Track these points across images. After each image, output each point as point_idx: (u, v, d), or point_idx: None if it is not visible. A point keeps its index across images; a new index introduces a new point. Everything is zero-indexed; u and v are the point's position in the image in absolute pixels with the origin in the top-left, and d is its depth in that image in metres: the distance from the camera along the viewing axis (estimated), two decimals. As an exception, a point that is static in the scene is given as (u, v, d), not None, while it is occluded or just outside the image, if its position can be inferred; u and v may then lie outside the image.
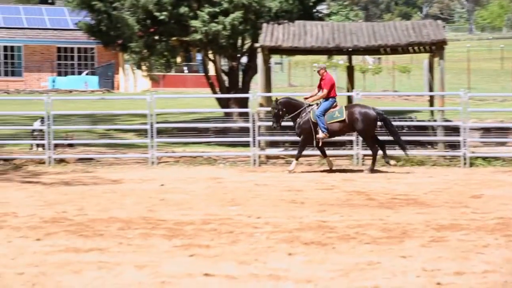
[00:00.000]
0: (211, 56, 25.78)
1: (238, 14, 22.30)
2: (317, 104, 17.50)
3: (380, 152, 17.48)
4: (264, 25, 21.91)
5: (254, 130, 19.35)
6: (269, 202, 12.68)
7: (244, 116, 20.50)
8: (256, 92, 20.96)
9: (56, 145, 19.77)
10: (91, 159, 19.76)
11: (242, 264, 7.78)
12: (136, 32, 23.35)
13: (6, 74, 47.63)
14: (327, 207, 12.00)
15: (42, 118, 20.20)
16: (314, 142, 17.44)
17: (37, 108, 21.90)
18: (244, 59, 26.77)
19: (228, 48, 24.04)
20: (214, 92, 25.34)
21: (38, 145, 20.22)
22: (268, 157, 19.75)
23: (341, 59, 38.15)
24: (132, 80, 46.44)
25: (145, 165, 19.35)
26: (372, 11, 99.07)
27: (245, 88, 25.01)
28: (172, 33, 23.86)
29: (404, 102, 35.58)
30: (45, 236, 9.41)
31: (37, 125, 20.40)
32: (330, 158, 18.04)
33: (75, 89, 44.50)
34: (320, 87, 17.63)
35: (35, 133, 20.41)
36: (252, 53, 24.59)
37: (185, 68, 46.98)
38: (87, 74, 48.00)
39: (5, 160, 19.29)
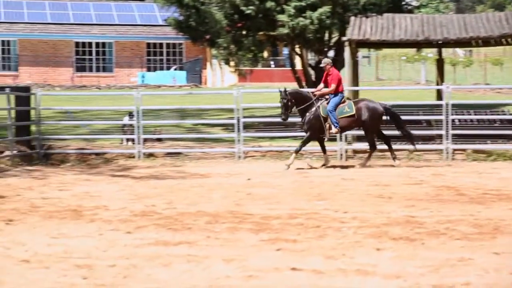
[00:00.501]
0: (298, 50, 25.76)
1: (326, 8, 22.20)
2: (326, 99, 17.30)
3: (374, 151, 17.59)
4: (352, 18, 21.75)
5: (341, 124, 19.21)
6: (356, 196, 12.60)
7: (331, 110, 20.36)
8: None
9: (145, 140, 20.12)
10: (179, 153, 20.02)
11: (329, 258, 7.75)
12: (223, 27, 23.52)
13: (97, 70, 48.73)
14: (416, 202, 11.84)
15: (130, 112, 20.59)
16: (326, 135, 17.38)
17: (127, 103, 22.34)
18: (331, 53, 26.63)
19: (315, 42, 23.98)
20: (301, 86, 25.30)
21: (128, 140, 20.61)
22: (355, 152, 19.62)
23: (431, 52, 37.57)
24: (219, 75, 46.82)
25: (232, 159, 19.49)
26: (463, 2, 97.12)
27: (332, 82, 24.87)
28: (259, 27, 23.94)
29: (496, 95, 34.78)
30: (135, 229, 9.58)
31: (126, 119, 20.80)
32: (415, 153, 17.82)
33: (164, 84, 45.17)
34: (326, 82, 17.38)
35: (125, 128, 20.81)
36: (339, 47, 24.44)
37: (271, 62, 47.10)
38: (175, 69, 48.64)
39: (97, 154, 19.74)
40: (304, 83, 25.30)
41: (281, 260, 7.72)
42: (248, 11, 22.78)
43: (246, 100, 21.36)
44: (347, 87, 20.44)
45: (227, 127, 22.31)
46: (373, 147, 17.58)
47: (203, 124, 23.91)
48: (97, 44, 48.85)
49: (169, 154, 19.94)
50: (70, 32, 48.50)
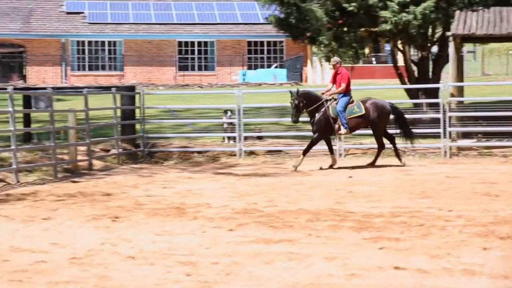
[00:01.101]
0: (400, 46, 25.43)
1: (430, 3, 21.83)
2: (335, 99, 16.95)
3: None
4: (457, 12, 21.33)
5: (445, 121, 18.89)
6: (461, 194, 12.33)
7: (434, 106, 20.05)
8: (447, 82, 20.44)
9: (246, 138, 20.25)
10: (279, 151, 20.07)
11: (434, 258, 7.60)
12: (324, 24, 23.45)
13: (199, 68, 49.40)
14: (524, 200, 11.49)
15: (227, 111, 20.77)
16: (336, 136, 17.43)
17: (229, 101, 22.52)
18: (434, 49, 26.17)
19: (418, 37, 23.63)
20: (403, 82, 24.97)
21: (229, 138, 20.80)
22: (460, 149, 19.21)
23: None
24: (320, 72, 46.70)
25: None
26: None
27: (435, 78, 24.48)
28: (361, 24, 23.76)
29: None
30: (237, 226, 9.64)
31: (225, 118, 20.99)
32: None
33: (264, 82, 45.38)
34: (334, 81, 17.10)
35: (225, 126, 21.01)
36: (443, 42, 24.02)
37: (373, 59, 46.67)
38: (276, 67, 48.80)
39: (199, 152, 20.00)
40: (406, 80, 24.95)
41: (384, 258, 7.62)
42: (350, 8, 22.63)
43: (348, 97, 21.17)
44: (450, 83, 20.07)
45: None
46: (381, 146, 17.42)
47: (303, 122, 23.83)
48: (199, 43, 49.53)
49: (269, 152, 20.02)
50: (173, 31, 49.35)
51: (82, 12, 50.13)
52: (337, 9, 23.33)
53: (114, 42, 49.01)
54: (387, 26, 22.37)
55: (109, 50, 49.16)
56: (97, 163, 17.94)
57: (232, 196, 12.60)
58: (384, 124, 17.30)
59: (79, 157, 17.42)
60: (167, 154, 19.92)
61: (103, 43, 49.02)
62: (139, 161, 19.16)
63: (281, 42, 49.11)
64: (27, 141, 19.34)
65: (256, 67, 49.15)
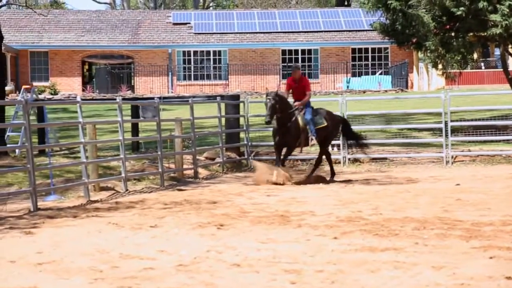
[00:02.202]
0: (511, 50, 24.79)
1: (542, 5, 21.20)
2: (301, 109, 16.19)
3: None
4: None
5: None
6: None
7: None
8: (559, 86, 19.80)
9: (350, 145, 20.11)
10: (384, 158, 19.87)
11: (547, 268, 7.36)
12: (431, 29, 23.10)
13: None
14: None
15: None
16: (301, 148, 16.74)
17: (333, 109, 22.44)
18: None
19: (530, 41, 22.99)
20: (513, 88, 24.33)
21: (333, 145, 20.72)
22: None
23: None
24: (426, 79, 46.02)
25: (439, 164, 19.07)
26: None
27: (548, 83, 23.75)
28: (469, 28, 23.29)
29: None
30: (341, 234, 9.58)
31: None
32: None
33: (369, 89, 45.07)
34: (299, 89, 16.25)
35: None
36: (555, 45, 23.28)
37: (482, 64, 45.65)
38: (380, 74, 48.39)
39: (303, 160, 20.00)
40: (516, 85, 24.31)
41: (495, 268, 7.42)
42: (459, 12, 22.18)
43: (455, 103, 20.83)
44: None
45: (435, 131, 21.85)
46: (321, 161, 17.13)
47: (409, 129, 23.57)
48: (303, 51, 49.62)
49: (374, 159, 19.84)
50: (277, 40, 49.63)
51: (189, 23, 51.05)
52: (445, 14, 22.93)
53: (219, 51, 49.66)
54: (497, 30, 21.82)
55: (214, 60, 49.84)
56: (202, 172, 18.20)
57: (336, 204, 12.55)
58: (336, 135, 17.30)
59: (184, 166, 17.72)
60: (270, 162, 19.99)
61: (208, 52, 49.75)
62: (243, 169, 19.31)
63: (386, 48, 48.68)
64: (135, 150, 19.81)
65: (360, 74, 48.87)
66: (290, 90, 16.49)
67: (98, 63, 51.18)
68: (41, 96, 37.82)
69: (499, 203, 12.18)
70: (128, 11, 58.31)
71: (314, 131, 16.11)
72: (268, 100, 15.64)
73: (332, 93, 42.75)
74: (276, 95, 15.68)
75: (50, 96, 44.25)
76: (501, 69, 27.38)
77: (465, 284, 6.84)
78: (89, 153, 14.58)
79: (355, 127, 21.13)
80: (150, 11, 59.20)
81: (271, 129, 23.07)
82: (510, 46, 24.44)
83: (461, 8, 22.14)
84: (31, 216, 11.76)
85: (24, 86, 22.93)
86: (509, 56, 25.45)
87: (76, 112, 14.61)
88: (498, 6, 21.76)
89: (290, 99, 16.49)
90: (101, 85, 49.04)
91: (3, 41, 19.94)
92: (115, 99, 16.04)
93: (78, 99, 14.80)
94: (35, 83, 44.55)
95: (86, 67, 51.99)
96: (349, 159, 19.66)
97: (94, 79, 50.72)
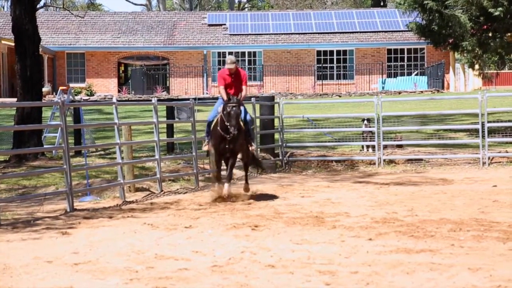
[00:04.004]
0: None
1: None
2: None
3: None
4: None
5: None
6: None
7: None
8: None
9: (385, 146, 20.04)
10: (420, 159, 19.74)
11: None
12: (468, 30, 22.91)
13: (338, 77, 49.34)
14: None
15: (365, 119, 20.63)
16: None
17: (368, 110, 22.40)
18: None
19: None
20: (551, 88, 24.06)
21: (368, 146, 20.65)
22: None
23: None
24: (463, 79, 45.66)
25: (476, 165, 18.91)
26: None
27: None
28: (507, 29, 23.06)
29: None
30: (376, 236, 9.55)
31: (364, 126, 20.85)
32: None
33: (404, 90, 44.82)
34: (235, 84, 13.74)
35: (365, 134, 20.87)
36: None
37: (519, 64, 45.16)
38: (416, 74, 48.09)
39: (337, 161, 19.95)
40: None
41: (531, 271, 7.35)
42: (497, 13, 21.97)
43: (492, 104, 20.63)
44: None
45: (471, 132, 21.67)
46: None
47: (445, 130, 23.41)
48: (338, 52, 49.48)
49: (410, 160, 19.72)
50: (312, 41, 49.55)
51: (224, 24, 51.20)
52: (482, 14, 22.72)
53: (254, 52, 49.71)
54: (536, 30, 21.58)
55: (249, 61, 49.90)
56: (237, 172, 18.21)
57: (371, 205, 12.50)
58: None
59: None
60: (305, 163, 19.98)
61: (243, 53, 49.82)
62: (278, 170, 19.31)
63: (421, 49, 48.39)
64: (170, 151, 19.91)
65: (396, 75, 48.62)
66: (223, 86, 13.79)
67: (134, 64, 51.52)
68: (77, 97, 38.14)
69: (537, 204, 12.05)
70: (164, 13, 58.59)
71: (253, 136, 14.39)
72: (230, 109, 13.19)
73: (367, 94, 42.59)
74: (238, 101, 13.32)
75: (86, 97, 44.65)
76: (539, 69, 27.07)
77: (502, 286, 6.79)
78: (124, 154, 14.68)
79: (391, 128, 21.04)
80: (185, 13, 59.44)
81: (306, 130, 23.18)
82: (548, 46, 24.16)
83: (499, 9, 21.92)
84: (68, 216, 11.87)
85: (61, 88, 23.20)
86: (547, 56, 25.16)
87: (111, 113, 14.73)
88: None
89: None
90: (136, 86, 49.34)
91: (41, 43, 20.16)
92: (150, 100, 16.14)
93: (114, 100, 14.89)
94: (71, 84, 44.96)
95: (122, 68, 52.35)
96: (384, 160, 19.56)
97: (129, 80, 51.05)
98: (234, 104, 13.27)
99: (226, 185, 13.30)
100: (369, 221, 10.73)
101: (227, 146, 13.44)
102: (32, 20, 19.07)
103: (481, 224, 10.20)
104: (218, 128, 13.38)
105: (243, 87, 13.83)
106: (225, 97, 13.46)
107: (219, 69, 49.13)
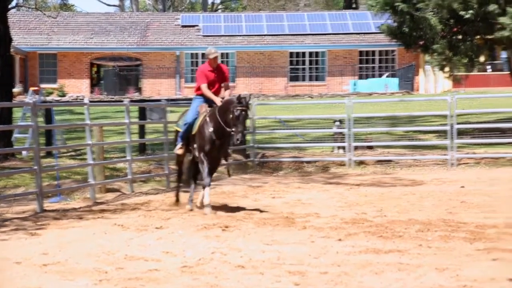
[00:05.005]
0: (517, 53, 24.78)
1: (551, 9, 21.17)
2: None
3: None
4: None
5: None
6: None
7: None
8: None
9: (356, 147, 20.12)
10: (390, 160, 19.84)
11: (550, 271, 7.35)
12: (439, 32, 23.08)
13: (310, 79, 49.46)
14: None
15: (336, 121, 20.71)
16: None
17: (339, 111, 22.46)
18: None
19: (537, 44, 22.95)
20: (519, 90, 24.30)
21: (339, 147, 20.71)
22: None
23: None
24: (433, 81, 45.96)
25: (444, 166, 19.04)
26: None
27: (554, 86, 23.70)
28: (477, 31, 23.25)
29: None
30: (346, 236, 9.58)
31: (335, 128, 20.92)
32: None
33: (375, 92, 45.02)
34: (218, 80, 12.46)
35: (335, 136, 20.94)
36: (562, 48, 23.22)
37: (488, 67, 45.54)
38: (387, 76, 48.35)
39: (308, 162, 19.99)
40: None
41: (498, 270, 7.41)
42: (467, 16, 22.13)
43: (461, 106, 20.79)
44: None
45: (440, 133, 21.83)
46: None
47: (414, 131, 23.55)
48: (311, 53, 49.60)
49: (380, 161, 19.82)
50: (285, 42, 49.62)
51: (197, 25, 51.11)
52: (452, 16, 22.90)
53: (227, 54, 49.66)
54: (505, 33, 21.77)
55: (222, 62, 49.65)
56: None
57: (341, 206, 12.54)
58: None
59: (191, 167, 17.68)
60: (277, 164, 20.01)
61: (216, 55, 49.72)
62: (249, 172, 19.31)
63: (393, 51, 48.62)
64: (142, 152, 19.83)
65: (367, 77, 48.83)
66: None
67: (107, 65, 51.26)
68: (49, 98, 37.90)
69: (503, 205, 12.16)
70: (137, 14, 58.36)
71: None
72: (239, 112, 11.66)
73: (339, 96, 42.73)
74: (247, 103, 11.85)
75: (58, 98, 44.37)
76: (508, 72, 27.32)
77: (468, 286, 6.84)
78: (95, 155, 14.60)
79: (361, 130, 21.14)
80: (158, 14, 59.24)
81: (278, 131, 23.19)
82: (517, 49, 24.41)
83: (470, 11, 22.10)
84: (37, 217, 11.79)
85: (32, 88, 22.99)
86: (516, 59, 25.40)
87: (83, 114, 14.65)
88: (508, 8, 21.72)
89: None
90: (109, 87, 49.12)
91: (12, 43, 20.00)
92: (122, 101, 16.07)
93: (86, 101, 14.82)
94: (43, 85, 44.58)
95: (95, 69, 52.06)
96: (354, 161, 19.63)
97: (102, 81, 50.81)
98: (243, 108, 11.66)
99: (206, 192, 11.91)
100: (338, 222, 10.76)
101: (216, 152, 12.11)
102: (3, 21, 18.91)
103: (448, 224, 10.28)
104: (209, 131, 11.94)
105: (226, 83, 12.54)
106: (212, 97, 12.13)
107: (191, 70, 49.09)
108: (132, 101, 20.38)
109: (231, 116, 11.64)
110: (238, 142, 11.71)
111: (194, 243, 9.33)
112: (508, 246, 8.61)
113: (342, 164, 19.73)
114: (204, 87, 12.30)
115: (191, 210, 12.28)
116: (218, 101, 12.11)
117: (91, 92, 48.69)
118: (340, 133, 20.47)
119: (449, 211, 11.64)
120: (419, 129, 23.61)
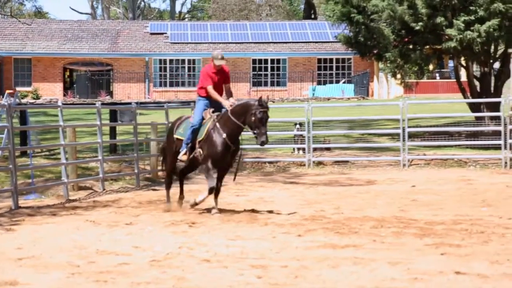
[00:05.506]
0: (463, 62, 25.06)
1: (494, 21, 21.44)
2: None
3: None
4: (519, 30, 20.92)
5: (505, 133, 18.52)
6: (522, 204, 12.04)
7: (496, 120, 19.68)
8: (508, 96, 20.03)
9: (315, 149, 20.20)
10: (346, 161, 19.96)
11: (494, 263, 7.44)
12: (391, 42, 23.28)
13: (272, 84, 49.54)
14: None
15: (297, 124, 20.78)
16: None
17: (299, 115, 22.51)
18: (496, 65, 25.69)
19: (481, 54, 23.24)
20: (466, 97, 24.58)
21: (299, 149, 20.78)
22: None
23: None
24: (386, 87, 46.31)
25: (396, 167, 19.21)
26: None
27: (497, 93, 24.02)
28: (426, 42, 23.50)
29: None
30: (305, 232, 9.61)
31: (295, 130, 20.98)
32: None
33: (333, 97, 45.23)
34: (221, 83, 11.64)
35: (296, 138, 21.01)
36: (505, 58, 23.56)
37: (437, 74, 46.03)
38: (344, 82, 48.62)
39: (270, 162, 20.03)
40: (468, 94, 24.56)
41: (446, 264, 7.49)
42: (417, 27, 22.35)
43: (412, 110, 20.98)
44: (511, 97, 19.62)
45: (393, 136, 22.01)
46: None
47: (369, 134, 23.71)
48: (272, 60, 49.69)
49: (337, 162, 19.93)
50: (248, 50, 49.65)
51: (165, 33, 50.91)
52: (404, 28, 23.11)
53: (194, 60, 49.56)
54: (452, 44, 22.04)
55: (189, 68, 49.74)
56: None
57: (301, 204, 12.58)
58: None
59: (159, 167, 17.62)
60: (240, 165, 19.98)
61: (183, 61, 49.63)
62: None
63: (349, 59, 48.91)
64: (113, 152, 19.70)
65: (325, 83, 49.06)
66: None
67: (79, 70, 50.82)
68: (24, 101, 37.43)
69: (451, 203, 12.30)
70: (108, 21, 57.96)
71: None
72: (262, 114, 11.00)
73: (299, 100, 42.85)
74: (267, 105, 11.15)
75: (33, 101, 43.88)
76: (454, 80, 27.65)
77: (418, 279, 6.90)
78: (68, 155, 14.47)
79: (320, 132, 21.24)
80: (129, 22, 58.87)
81: (242, 133, 22.99)
82: (463, 58, 24.70)
83: (420, 23, 22.32)
84: (12, 214, 11.65)
85: (7, 91, 22.72)
86: (462, 68, 25.70)
87: (57, 115, 14.51)
88: (454, 21, 21.98)
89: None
90: (81, 91, 48.72)
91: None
92: (94, 104, 15.95)
93: (59, 103, 14.68)
94: (18, 88, 44.09)
95: (68, 73, 51.59)
96: (313, 162, 19.71)
97: (75, 85, 50.36)
98: (265, 109, 11.01)
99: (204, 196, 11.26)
100: (298, 219, 10.79)
101: (229, 157, 11.35)
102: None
103: (400, 221, 10.36)
104: (222, 137, 11.16)
105: (228, 86, 11.66)
106: (220, 99, 11.33)
107: (160, 75, 48.91)
108: (103, 104, 20.20)
109: (253, 118, 10.94)
110: (264, 144, 11.03)
111: (163, 238, 9.30)
112: (454, 241, 8.72)
113: (302, 164, 19.80)
114: (211, 89, 11.46)
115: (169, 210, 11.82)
116: (227, 103, 11.33)
117: (64, 95, 48.23)
118: (300, 135, 20.53)
119: (401, 208, 11.74)
120: (373, 132, 23.77)
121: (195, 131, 11.47)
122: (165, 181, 12.70)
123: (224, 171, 11.48)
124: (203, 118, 11.52)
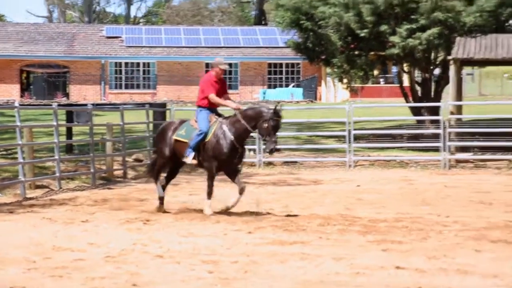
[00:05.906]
0: (406, 68, 25.44)
1: (434, 30, 21.85)
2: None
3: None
4: (458, 38, 21.34)
5: (444, 136, 18.87)
6: (458, 202, 12.31)
7: (435, 123, 20.05)
8: (447, 101, 20.45)
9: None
10: (295, 162, 20.10)
11: (432, 259, 7.61)
12: (338, 48, 23.53)
13: (224, 87, 49.48)
14: (515, 208, 11.44)
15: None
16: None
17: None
18: (436, 71, 26.16)
19: (423, 60, 23.65)
20: (408, 101, 24.96)
21: (250, 150, 20.83)
22: (458, 161, 19.17)
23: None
24: (333, 91, 46.70)
25: (343, 168, 19.42)
26: None
27: (437, 98, 24.46)
28: (371, 48, 23.81)
29: None
30: (255, 229, 9.68)
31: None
32: None
33: (282, 100, 45.36)
34: (222, 91, 11.53)
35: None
36: (445, 65, 24.00)
37: (381, 80, 46.59)
38: (293, 86, 48.86)
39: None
40: (410, 98, 24.95)
41: (387, 259, 7.64)
42: (362, 34, 22.64)
43: (357, 114, 21.23)
44: (450, 102, 20.03)
45: (339, 138, 22.23)
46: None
47: (317, 136, 23.91)
48: (225, 64, 49.64)
49: (286, 162, 20.06)
50: (201, 54, 49.52)
51: (120, 37, 50.47)
52: (350, 34, 23.39)
53: (148, 63, 49.26)
54: (395, 50, 22.39)
55: (144, 71, 49.42)
56: (131, 172, 18.06)
57: (249, 203, 12.61)
58: None
59: (114, 167, 17.55)
60: (194, 165, 19.94)
61: (138, 64, 49.30)
62: (166, 171, 19.19)
63: (298, 64, 49.16)
64: (69, 151, 19.51)
65: (275, 86, 49.22)
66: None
67: (36, 72, 50.07)
68: (-19, 101, 36.78)
69: (393, 202, 12.50)
70: (64, 25, 57.23)
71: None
72: (275, 122, 10.99)
73: (250, 103, 42.92)
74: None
75: (-10, 101, 43.09)
76: (397, 85, 28.06)
77: (361, 273, 7.02)
78: (26, 154, 14.30)
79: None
80: (84, 25, 58.24)
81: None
82: (405, 64, 25.07)
83: (365, 30, 22.62)
84: (-30, 211, 11.48)
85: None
86: (404, 73, 26.10)
87: (14, 116, 14.33)
88: (397, 29, 22.33)
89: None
90: (38, 92, 48.00)
91: None
92: (51, 105, 15.80)
93: (16, 104, 14.51)
94: (-25, 89, 43.32)
95: (24, 75, 50.75)
96: (264, 162, 19.81)
97: (31, 87, 49.60)
98: (279, 119, 11.01)
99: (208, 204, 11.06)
100: (249, 217, 10.83)
101: (237, 159, 11.25)
102: None
103: (346, 219, 10.49)
104: (230, 139, 10.98)
105: (227, 96, 11.56)
106: (225, 103, 11.23)
107: (115, 77, 48.51)
108: (60, 105, 20.02)
109: (266, 125, 10.82)
110: (273, 152, 11.05)
111: (117, 235, 9.28)
112: (396, 238, 8.88)
113: (252, 164, 19.88)
114: (213, 97, 11.22)
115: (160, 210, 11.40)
116: (234, 105, 11.24)
117: (21, 96, 47.46)
118: (251, 136, 20.57)
119: (346, 207, 11.88)
120: (321, 134, 23.97)
121: (204, 136, 11.23)
122: (153, 176, 12.17)
123: (234, 172, 11.41)
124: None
